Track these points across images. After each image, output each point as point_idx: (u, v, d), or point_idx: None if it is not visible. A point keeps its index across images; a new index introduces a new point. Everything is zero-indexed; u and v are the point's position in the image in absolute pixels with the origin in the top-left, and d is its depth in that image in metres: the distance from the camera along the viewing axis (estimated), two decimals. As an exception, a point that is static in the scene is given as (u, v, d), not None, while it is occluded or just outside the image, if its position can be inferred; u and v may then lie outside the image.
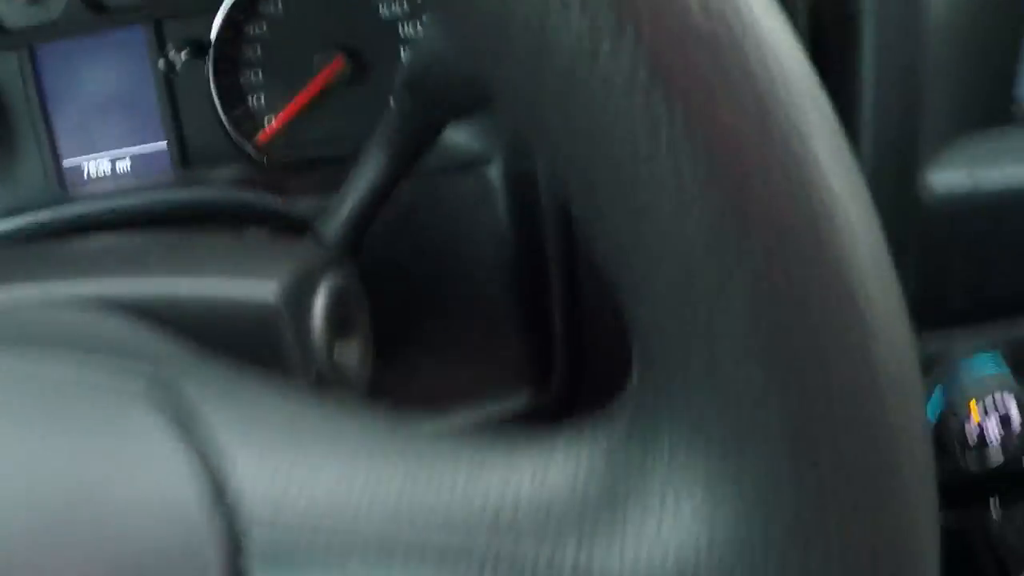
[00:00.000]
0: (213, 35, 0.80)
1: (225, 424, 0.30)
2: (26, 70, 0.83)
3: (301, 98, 0.82)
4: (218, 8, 0.81)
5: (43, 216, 0.75)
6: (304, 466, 0.28)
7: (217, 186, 0.77)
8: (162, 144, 0.84)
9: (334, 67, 0.81)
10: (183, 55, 0.80)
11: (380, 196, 0.66)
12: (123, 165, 0.85)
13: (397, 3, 0.82)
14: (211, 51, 0.80)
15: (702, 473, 0.23)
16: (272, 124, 0.83)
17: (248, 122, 0.83)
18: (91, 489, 0.29)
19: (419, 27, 0.82)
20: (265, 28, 0.82)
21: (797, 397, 0.21)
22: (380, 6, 0.82)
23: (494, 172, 0.76)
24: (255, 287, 0.48)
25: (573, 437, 0.27)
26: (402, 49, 0.83)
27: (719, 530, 0.23)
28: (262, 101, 0.83)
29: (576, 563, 0.24)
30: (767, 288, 0.21)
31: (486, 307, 0.78)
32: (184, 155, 0.84)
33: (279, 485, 0.28)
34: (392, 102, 0.64)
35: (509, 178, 0.76)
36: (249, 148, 0.82)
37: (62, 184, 0.85)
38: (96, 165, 0.85)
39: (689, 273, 0.21)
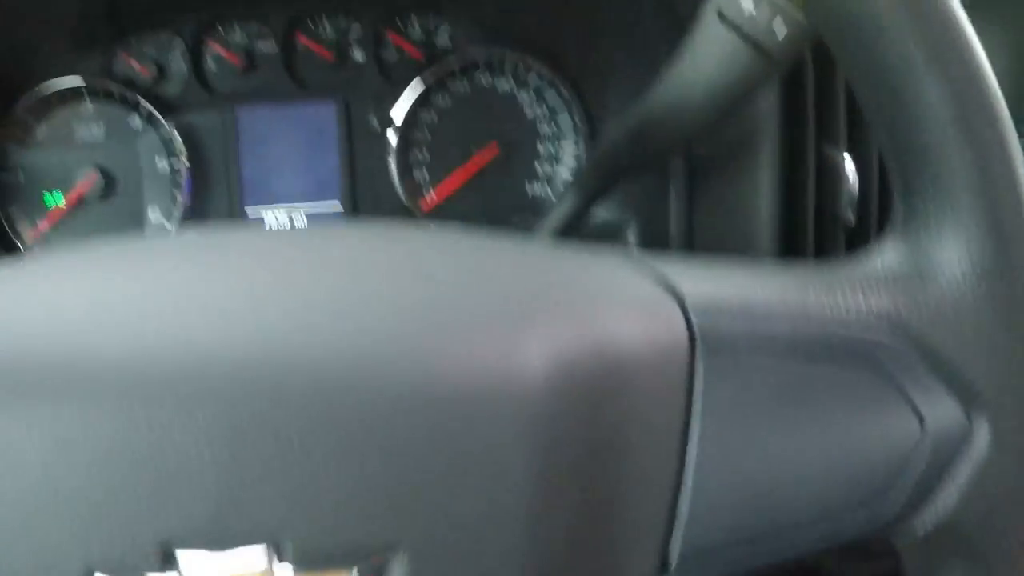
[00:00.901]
0: (398, 117, 0.98)
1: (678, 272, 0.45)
2: (228, 128, 0.98)
3: (460, 175, 1.01)
4: (399, 95, 1.00)
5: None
6: (735, 287, 0.43)
7: None
8: (336, 202, 1.00)
9: (489, 153, 1.01)
10: (374, 121, 0.98)
11: (565, 233, 0.85)
12: (299, 217, 1.00)
13: (539, 106, 1.03)
14: (395, 130, 0.98)
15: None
16: (433, 195, 1.01)
17: (414, 191, 1.01)
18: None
19: (555, 125, 1.03)
20: (435, 116, 1.01)
21: None
22: (525, 107, 1.03)
23: (630, 236, 0.97)
24: None
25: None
26: (538, 142, 1.03)
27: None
28: (426, 174, 1.01)
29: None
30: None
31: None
32: (356, 214, 1.00)
33: (717, 293, 0.43)
34: (581, 173, 0.85)
35: (643, 240, 0.96)
36: (416, 213, 1.00)
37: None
38: (275, 215, 1.00)
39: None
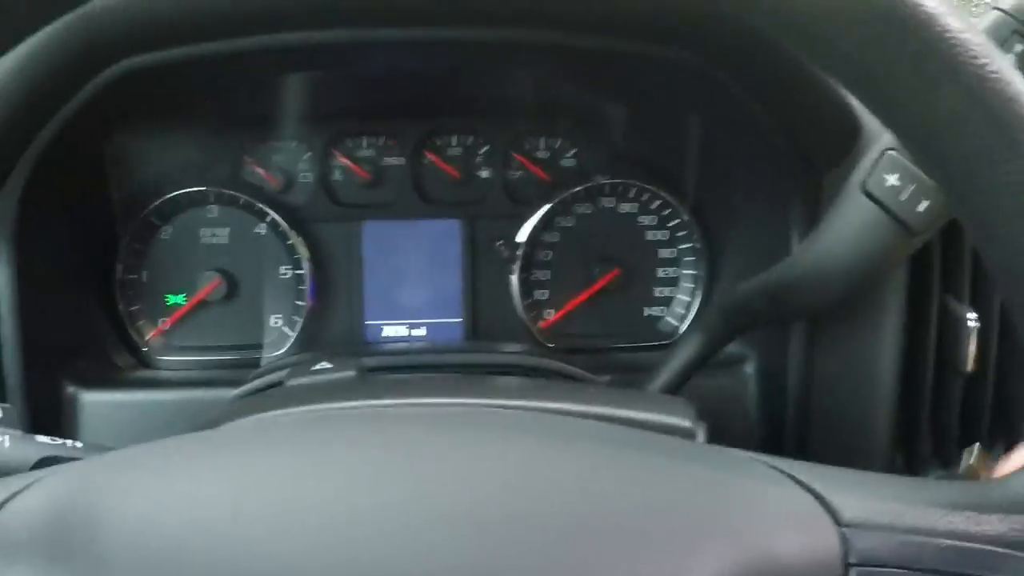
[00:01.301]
0: (523, 237, 0.99)
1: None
2: (353, 241, 0.99)
3: (581, 297, 1.01)
4: (523, 216, 1.00)
5: (407, 360, 0.90)
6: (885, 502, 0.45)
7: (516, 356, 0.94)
8: (458, 319, 1.01)
9: (611, 276, 1.01)
10: (503, 250, 0.98)
11: (686, 376, 0.85)
12: (418, 332, 1.01)
13: (660, 231, 1.03)
14: (521, 250, 0.99)
15: None
16: (552, 315, 1.01)
17: (534, 311, 1.01)
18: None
19: (674, 252, 1.03)
20: (558, 237, 1.01)
21: None
22: (646, 232, 1.03)
23: (749, 369, 0.97)
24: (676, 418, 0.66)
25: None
26: (658, 267, 1.03)
27: None
28: (546, 296, 1.02)
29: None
30: None
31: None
32: (475, 330, 1.01)
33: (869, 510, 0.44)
34: (703, 317, 0.85)
35: (761, 374, 0.96)
36: (534, 331, 1.00)
37: (363, 338, 1.00)
38: (395, 329, 1.01)
39: None
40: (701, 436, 0.64)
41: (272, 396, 0.74)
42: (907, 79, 0.40)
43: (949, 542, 0.43)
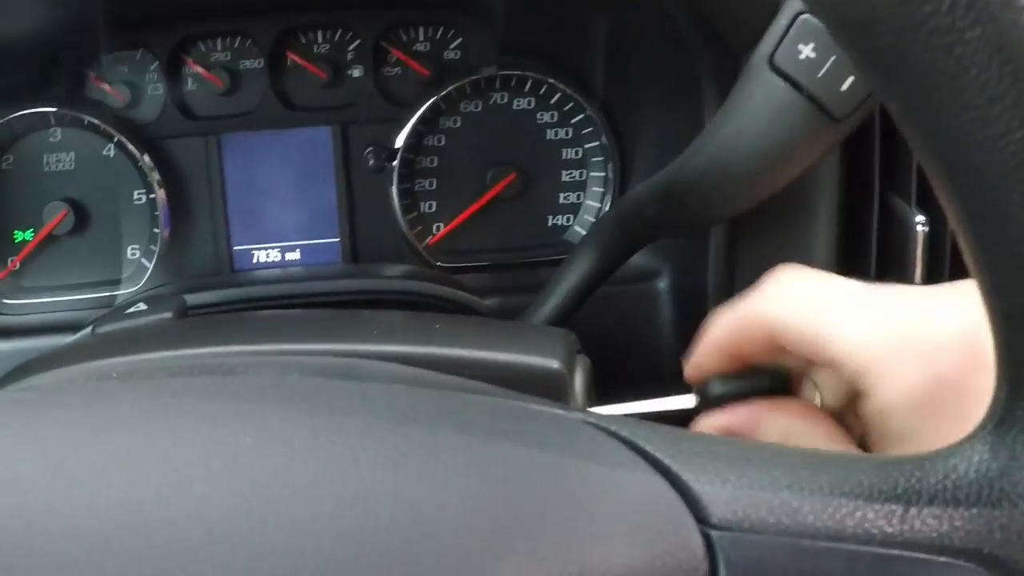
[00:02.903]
0: (400, 143, 0.87)
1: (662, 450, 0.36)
2: (211, 157, 0.88)
3: (473, 207, 0.89)
4: (400, 118, 0.88)
5: (238, 293, 0.79)
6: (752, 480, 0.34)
7: (397, 280, 0.83)
8: (334, 239, 0.89)
9: (507, 182, 0.89)
10: (371, 159, 0.86)
11: (579, 300, 0.73)
12: (292, 256, 0.90)
13: (562, 129, 0.91)
14: (398, 158, 0.87)
15: None
16: (442, 229, 0.90)
17: (419, 226, 0.90)
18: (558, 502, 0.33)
19: (579, 152, 0.91)
20: (443, 141, 0.89)
21: None
22: (546, 130, 0.91)
23: (662, 285, 0.85)
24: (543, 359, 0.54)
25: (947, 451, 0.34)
26: (562, 170, 0.91)
27: None
28: (433, 208, 0.90)
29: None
30: None
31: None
32: (355, 251, 0.89)
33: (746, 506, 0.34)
34: (597, 227, 0.73)
35: (676, 291, 0.84)
36: (420, 249, 0.89)
37: (231, 266, 0.89)
38: (266, 253, 0.90)
39: None
40: (579, 378, 0.53)
41: (70, 349, 0.64)
42: None
43: (864, 548, 0.31)
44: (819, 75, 0.56)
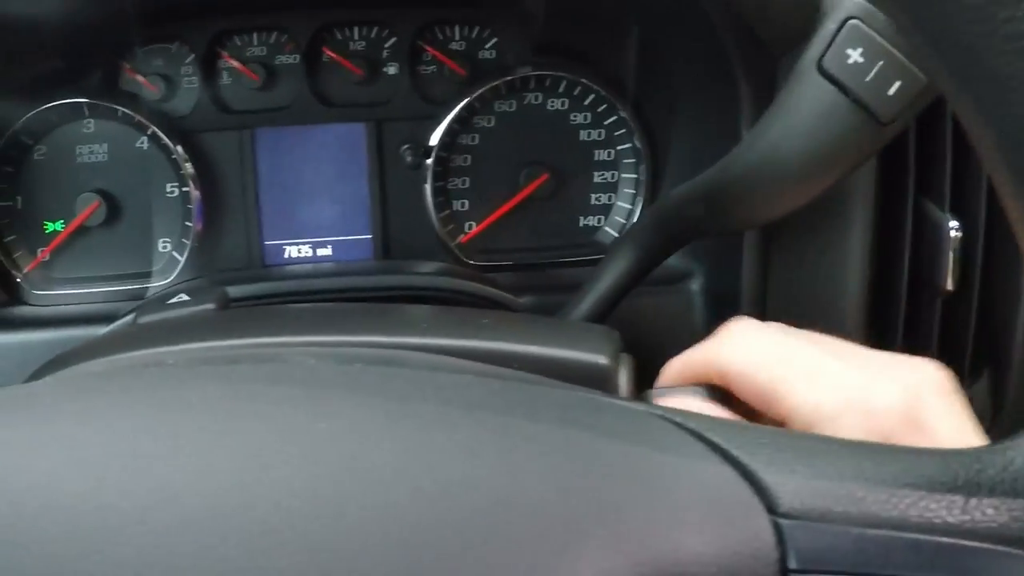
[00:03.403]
0: (435, 141, 0.87)
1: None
2: (245, 151, 0.88)
3: (506, 206, 0.89)
4: (435, 116, 0.88)
5: (278, 286, 0.79)
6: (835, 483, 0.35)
7: (427, 276, 0.83)
8: (366, 236, 0.89)
9: (540, 182, 0.89)
10: (408, 156, 0.86)
11: (616, 299, 0.73)
12: (324, 252, 0.90)
13: (595, 130, 0.91)
14: (433, 156, 0.87)
15: None
16: (474, 228, 0.90)
17: (452, 224, 0.90)
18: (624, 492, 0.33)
19: (612, 153, 0.91)
20: (477, 140, 0.89)
21: None
22: (579, 131, 0.91)
23: (694, 286, 0.85)
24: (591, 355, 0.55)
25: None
26: (594, 171, 0.91)
27: None
28: (465, 206, 0.90)
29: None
30: None
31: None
32: (387, 248, 0.89)
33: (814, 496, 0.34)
34: (636, 227, 0.73)
35: (709, 292, 0.84)
36: (453, 247, 0.89)
37: (262, 261, 0.89)
38: (298, 249, 0.90)
39: None
40: (623, 375, 0.53)
41: (114, 338, 0.64)
42: None
43: (926, 537, 0.31)
44: (867, 79, 0.56)
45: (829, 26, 0.58)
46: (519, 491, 0.32)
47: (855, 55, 0.57)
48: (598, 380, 0.51)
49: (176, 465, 0.31)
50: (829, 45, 0.57)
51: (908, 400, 0.43)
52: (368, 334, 0.53)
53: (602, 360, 0.52)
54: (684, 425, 0.36)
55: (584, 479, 0.33)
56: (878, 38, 0.55)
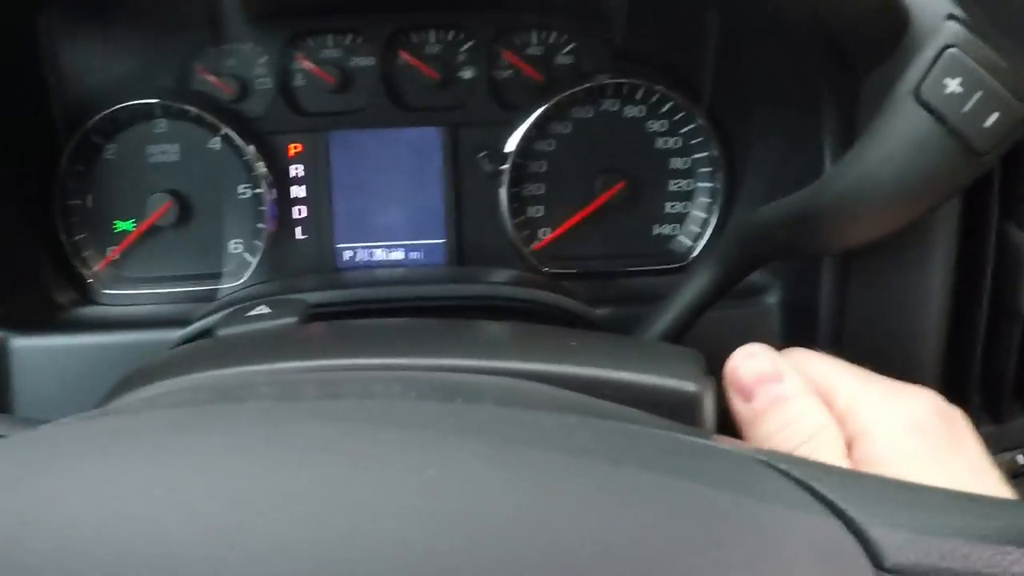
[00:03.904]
0: (512, 147, 0.86)
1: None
2: (319, 154, 0.87)
3: (581, 213, 0.88)
4: (511, 121, 0.87)
5: (356, 294, 0.79)
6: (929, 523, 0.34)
7: (502, 285, 0.82)
8: (440, 241, 0.89)
9: (615, 190, 0.88)
10: (487, 163, 0.85)
11: (696, 315, 0.72)
12: (396, 255, 0.89)
13: (672, 138, 0.90)
14: (510, 162, 0.86)
15: None
16: (548, 235, 0.89)
17: (526, 231, 0.89)
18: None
19: (688, 162, 0.90)
20: (553, 146, 0.88)
21: None
22: (656, 139, 0.90)
23: (771, 300, 0.84)
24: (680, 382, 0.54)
25: None
26: (670, 179, 0.90)
27: None
28: (540, 212, 0.89)
29: None
30: None
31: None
32: (460, 253, 0.88)
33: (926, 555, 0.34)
34: (719, 244, 0.72)
35: (786, 307, 0.83)
36: (527, 254, 0.88)
37: (334, 263, 0.88)
38: (370, 252, 0.89)
39: None
40: (708, 400, 0.52)
41: (197, 352, 0.63)
42: None
43: None
44: (964, 110, 0.55)
45: (927, 53, 0.57)
46: (632, 543, 0.31)
47: (953, 85, 0.56)
48: (686, 407, 0.51)
49: (288, 514, 0.30)
50: (927, 73, 0.56)
51: (943, 413, 0.49)
52: (457, 356, 0.53)
53: (691, 388, 0.52)
54: (788, 473, 0.36)
55: (692, 529, 0.32)
56: (977, 68, 0.54)
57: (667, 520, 0.32)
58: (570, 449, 0.35)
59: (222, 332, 0.64)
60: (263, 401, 0.45)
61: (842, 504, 0.33)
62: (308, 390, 0.47)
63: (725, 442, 0.42)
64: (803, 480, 0.35)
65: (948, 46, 0.55)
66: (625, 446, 0.37)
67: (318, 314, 0.69)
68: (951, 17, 0.54)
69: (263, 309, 0.66)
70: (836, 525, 0.32)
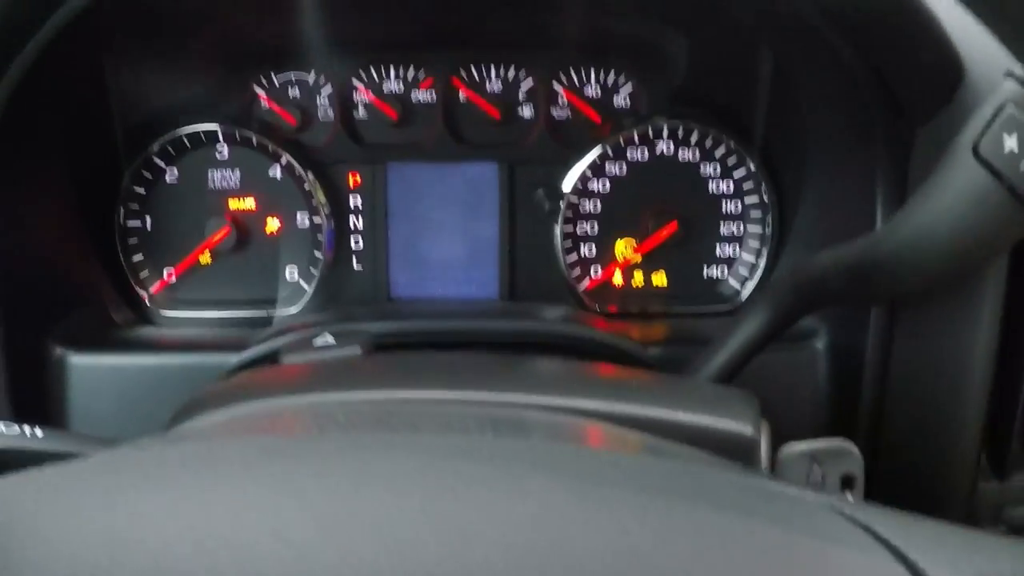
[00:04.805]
0: (569, 187, 0.87)
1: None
2: (378, 185, 0.88)
3: (636, 252, 0.89)
4: (567, 160, 0.88)
5: (418, 326, 0.79)
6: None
7: (558, 322, 0.83)
8: (493, 275, 0.90)
9: (669, 230, 0.89)
10: (546, 202, 0.87)
11: (747, 358, 0.73)
12: (449, 288, 0.90)
13: (724, 182, 0.91)
14: (566, 201, 0.87)
15: None
16: (600, 274, 0.90)
17: (578, 269, 0.90)
18: None
19: (739, 205, 0.91)
20: (608, 186, 0.89)
21: None
22: (708, 183, 0.91)
23: (819, 344, 0.85)
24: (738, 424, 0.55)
25: None
26: (721, 222, 0.91)
27: None
28: (593, 251, 0.90)
29: None
30: None
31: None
32: (513, 288, 0.90)
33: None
34: (771, 289, 0.74)
35: (833, 352, 0.84)
36: (579, 292, 0.89)
37: (388, 293, 0.89)
38: (424, 284, 0.90)
39: None
40: (764, 441, 0.54)
41: (262, 379, 0.64)
42: None
43: None
44: (1022, 168, 0.56)
45: (986, 110, 0.58)
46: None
47: (1011, 143, 0.57)
48: (743, 449, 0.53)
49: (382, 545, 0.31)
50: (985, 130, 0.57)
51: None
52: (522, 392, 0.54)
53: (747, 431, 0.53)
54: (853, 517, 0.37)
55: (763, 571, 0.33)
56: None
57: (741, 559, 0.33)
58: (649, 488, 0.37)
59: (288, 359, 0.65)
60: (347, 432, 0.46)
61: (904, 549, 0.34)
62: (388, 422, 0.49)
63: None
64: (867, 524, 0.36)
65: (1007, 104, 0.56)
66: (700, 487, 0.38)
67: (380, 345, 0.70)
68: (1010, 75, 0.55)
69: (328, 338, 0.67)
70: (899, 570, 0.33)
